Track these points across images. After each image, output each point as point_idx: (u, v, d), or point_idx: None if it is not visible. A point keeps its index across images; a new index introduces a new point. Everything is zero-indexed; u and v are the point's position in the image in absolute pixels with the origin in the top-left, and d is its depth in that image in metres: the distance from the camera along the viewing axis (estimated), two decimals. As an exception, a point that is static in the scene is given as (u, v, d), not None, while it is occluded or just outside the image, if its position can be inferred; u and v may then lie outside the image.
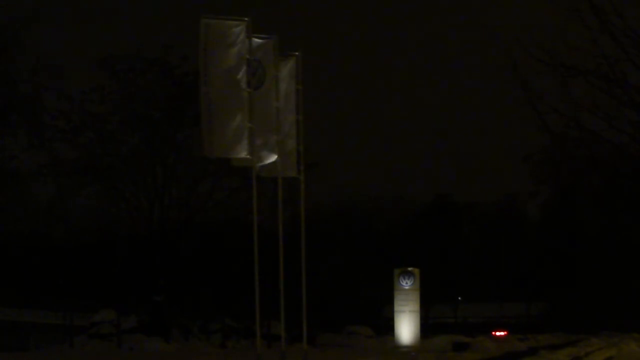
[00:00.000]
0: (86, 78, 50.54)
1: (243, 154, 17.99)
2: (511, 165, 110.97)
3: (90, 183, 42.30)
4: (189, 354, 32.19)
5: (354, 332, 43.87)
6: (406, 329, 31.81)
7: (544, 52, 23.37)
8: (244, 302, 29.72)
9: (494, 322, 72.51)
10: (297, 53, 19.60)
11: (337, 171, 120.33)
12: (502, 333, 63.56)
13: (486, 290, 77.89)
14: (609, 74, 23.23)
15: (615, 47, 22.87)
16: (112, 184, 42.26)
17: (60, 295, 43.29)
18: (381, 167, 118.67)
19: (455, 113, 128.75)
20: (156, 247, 41.83)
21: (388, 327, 41.10)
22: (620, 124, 23.81)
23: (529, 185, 53.33)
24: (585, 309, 72.48)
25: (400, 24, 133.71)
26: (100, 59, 41.94)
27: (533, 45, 23.33)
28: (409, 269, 32.29)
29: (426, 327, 48.35)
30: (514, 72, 23.81)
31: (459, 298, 77.76)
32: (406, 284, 31.81)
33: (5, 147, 40.47)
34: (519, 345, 41.56)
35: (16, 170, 40.92)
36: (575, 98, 23.62)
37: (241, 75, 17.91)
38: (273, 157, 18.81)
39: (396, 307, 32.12)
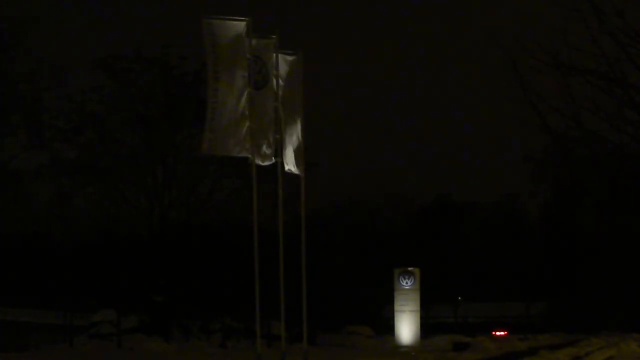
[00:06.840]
0: (86, 78, 50.65)
1: (244, 153, 18.03)
2: (511, 165, 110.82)
3: (91, 183, 42.32)
4: (189, 354, 32.19)
5: (354, 332, 43.81)
6: (406, 329, 31.90)
7: (544, 52, 23.42)
8: (244, 302, 29.67)
9: (494, 322, 72.39)
10: (297, 53, 19.60)
11: (337, 171, 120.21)
12: (502, 333, 63.49)
13: (486, 290, 77.75)
14: (609, 74, 23.27)
15: (615, 47, 22.91)
16: (112, 184, 42.28)
17: (60, 295, 43.25)
18: (381, 166, 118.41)
19: (455, 113, 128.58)
20: (156, 247, 41.83)
21: (388, 327, 41.07)
22: (620, 124, 23.85)
23: (529, 185, 53.14)
24: (585, 309, 72.32)
25: (400, 23, 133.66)
26: (99, 59, 42.00)
27: (533, 45, 23.37)
28: (409, 269, 32.36)
29: (426, 327, 48.30)
30: (514, 72, 23.84)
31: (459, 298, 77.66)
32: (406, 284, 31.88)
33: (5, 147, 40.56)
34: (519, 345, 41.50)
35: (16, 170, 40.96)
36: (576, 98, 23.65)
37: (244, 74, 17.92)
38: (273, 157, 18.85)
39: (396, 307, 32.19)
